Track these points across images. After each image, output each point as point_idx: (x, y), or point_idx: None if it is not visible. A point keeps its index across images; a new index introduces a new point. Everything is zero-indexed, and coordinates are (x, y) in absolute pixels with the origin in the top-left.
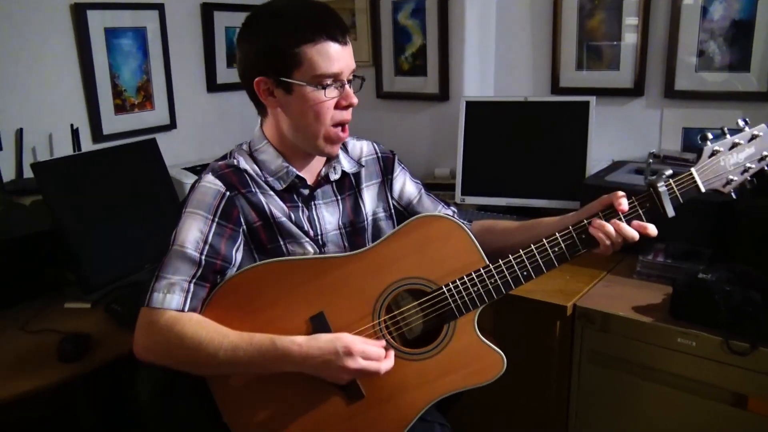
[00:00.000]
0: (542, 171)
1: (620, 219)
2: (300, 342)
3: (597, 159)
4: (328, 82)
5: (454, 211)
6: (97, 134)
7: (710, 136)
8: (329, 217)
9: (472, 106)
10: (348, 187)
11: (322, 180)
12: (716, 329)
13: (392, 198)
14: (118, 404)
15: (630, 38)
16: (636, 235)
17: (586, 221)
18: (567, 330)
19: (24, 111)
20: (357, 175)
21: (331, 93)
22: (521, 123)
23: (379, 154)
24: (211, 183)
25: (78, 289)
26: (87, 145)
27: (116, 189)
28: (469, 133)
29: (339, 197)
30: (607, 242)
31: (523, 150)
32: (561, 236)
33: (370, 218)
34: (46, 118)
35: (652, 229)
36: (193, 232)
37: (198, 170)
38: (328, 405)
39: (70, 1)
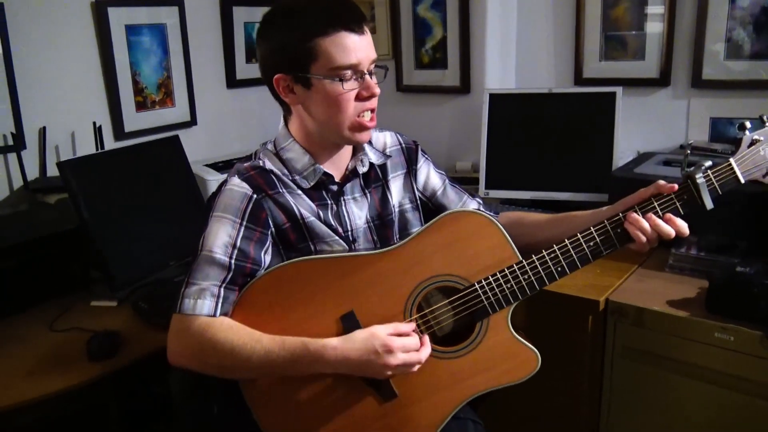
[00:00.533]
0: (568, 163)
1: (657, 214)
2: (335, 345)
3: (622, 150)
4: (347, 74)
5: (479, 203)
6: (119, 132)
7: (748, 125)
8: (358, 212)
9: (495, 99)
10: (374, 179)
11: (350, 174)
12: (755, 324)
13: (417, 189)
14: (146, 401)
15: (655, 27)
16: (672, 233)
17: (621, 215)
18: (599, 325)
19: (47, 109)
20: (383, 166)
21: (351, 85)
22: (545, 115)
23: (403, 145)
24: (238, 186)
25: (103, 287)
26: (109, 142)
27: (140, 186)
28: (493, 126)
29: (367, 191)
30: (643, 239)
31: (548, 142)
32: (596, 231)
33: (397, 210)
34: (69, 116)
35: (685, 229)
36: (221, 237)
37: (219, 167)
38: (362, 405)
39: None
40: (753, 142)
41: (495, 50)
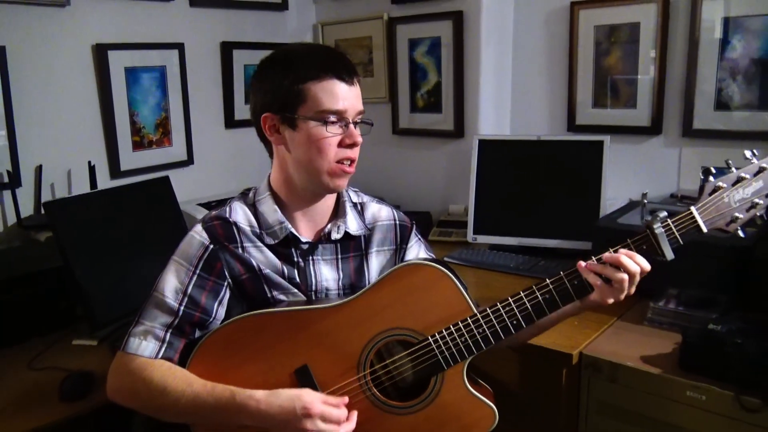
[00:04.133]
0: (556, 211)
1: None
2: (258, 398)
3: (614, 198)
4: (332, 118)
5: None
6: (115, 170)
7: (713, 171)
8: (327, 273)
9: (485, 144)
10: (354, 248)
11: (324, 238)
12: (728, 383)
13: None
14: None
15: (647, 77)
16: (631, 265)
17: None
18: (574, 379)
19: (44, 148)
20: (367, 237)
21: (335, 130)
22: (535, 162)
23: (397, 222)
24: (198, 234)
25: (87, 325)
26: (104, 181)
27: (127, 226)
28: (482, 172)
29: (340, 257)
30: (598, 281)
31: (537, 189)
32: (552, 281)
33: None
34: (66, 154)
35: (642, 261)
36: (174, 282)
37: (212, 206)
38: None
39: (92, 42)
40: (715, 189)
41: (489, 96)
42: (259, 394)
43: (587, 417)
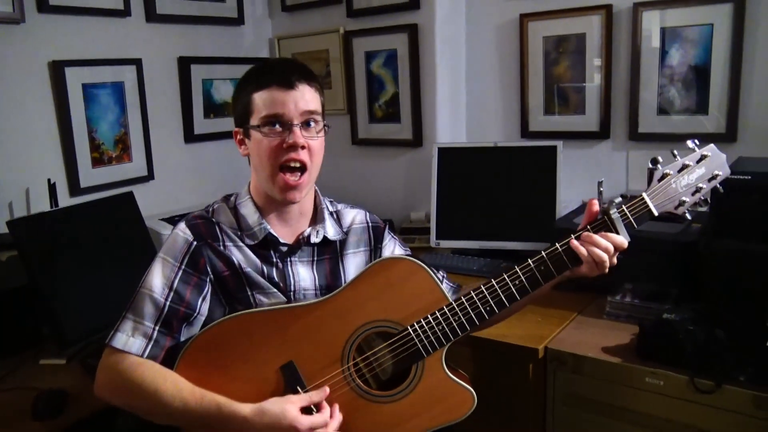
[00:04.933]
0: (514, 214)
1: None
2: (245, 415)
3: (568, 200)
4: (273, 123)
5: (444, 276)
6: (75, 187)
7: (660, 159)
8: (304, 274)
9: (445, 152)
10: (330, 252)
11: (303, 241)
12: (682, 368)
13: None
14: None
15: (594, 84)
16: (602, 243)
17: (543, 253)
18: (540, 373)
19: (1, 166)
20: (343, 241)
21: (273, 132)
22: (492, 168)
23: (370, 224)
24: (182, 232)
25: (54, 345)
26: (64, 198)
27: (92, 243)
28: (442, 179)
29: (316, 259)
30: (583, 252)
31: (495, 194)
32: (521, 270)
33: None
34: (23, 172)
35: (616, 238)
36: (160, 277)
37: (176, 220)
38: None
39: (48, 59)
40: (663, 176)
41: (445, 105)
42: (246, 411)
43: (554, 408)
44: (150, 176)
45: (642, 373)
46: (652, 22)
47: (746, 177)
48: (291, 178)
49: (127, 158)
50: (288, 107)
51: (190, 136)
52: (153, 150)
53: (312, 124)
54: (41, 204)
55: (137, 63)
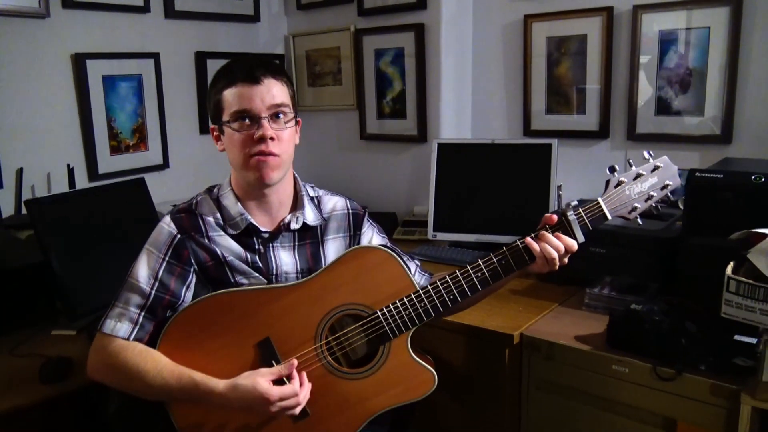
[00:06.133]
0: (510, 209)
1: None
2: (221, 391)
3: (567, 198)
4: (243, 117)
5: (417, 265)
6: (93, 173)
7: (617, 167)
8: (286, 259)
9: (444, 148)
10: (311, 237)
11: (283, 227)
12: (646, 357)
13: None
14: (98, 422)
15: (594, 85)
16: (554, 242)
17: (504, 248)
18: (516, 358)
19: (25, 152)
20: (323, 227)
21: (243, 126)
22: (490, 164)
23: (350, 210)
24: (167, 225)
25: (65, 318)
26: (83, 183)
27: (104, 225)
28: (441, 173)
29: (297, 244)
30: (537, 248)
31: (492, 189)
32: (484, 263)
33: None
34: (46, 158)
35: (567, 240)
36: (145, 268)
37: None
38: (278, 424)
39: (71, 52)
40: (619, 183)
41: (450, 103)
42: (221, 387)
43: (529, 392)
44: (165, 165)
45: (609, 361)
46: (651, 24)
47: (718, 175)
48: (260, 158)
49: (144, 147)
50: (255, 102)
51: (205, 128)
52: (169, 140)
53: (281, 116)
54: (61, 188)
55: (155, 57)
